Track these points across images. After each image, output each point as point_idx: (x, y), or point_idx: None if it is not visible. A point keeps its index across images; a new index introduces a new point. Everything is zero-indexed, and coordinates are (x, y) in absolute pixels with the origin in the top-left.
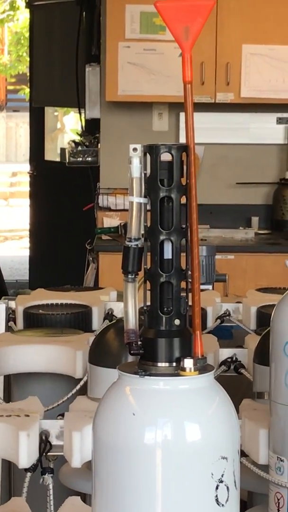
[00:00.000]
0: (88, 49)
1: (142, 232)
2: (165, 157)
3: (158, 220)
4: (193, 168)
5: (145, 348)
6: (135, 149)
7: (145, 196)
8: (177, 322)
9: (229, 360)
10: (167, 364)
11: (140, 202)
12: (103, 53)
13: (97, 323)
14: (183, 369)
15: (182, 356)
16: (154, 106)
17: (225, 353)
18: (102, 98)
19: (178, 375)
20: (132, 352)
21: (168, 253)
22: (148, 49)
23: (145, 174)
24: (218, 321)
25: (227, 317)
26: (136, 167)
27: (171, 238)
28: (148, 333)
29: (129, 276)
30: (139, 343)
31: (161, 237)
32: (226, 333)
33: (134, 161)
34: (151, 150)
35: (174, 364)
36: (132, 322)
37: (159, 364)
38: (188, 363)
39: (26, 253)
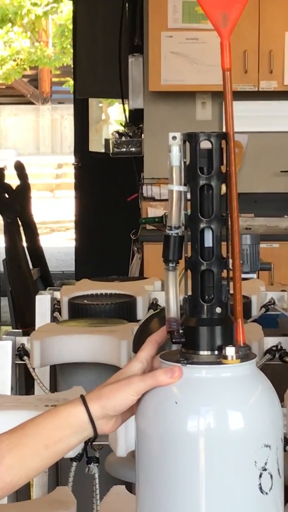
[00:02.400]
0: (131, 39)
1: (183, 220)
2: (205, 145)
3: (198, 208)
4: (233, 155)
5: (187, 337)
6: (174, 138)
7: (185, 185)
8: (218, 310)
9: (274, 348)
10: (209, 352)
11: (180, 191)
12: (146, 43)
13: (142, 312)
14: (225, 357)
15: (224, 344)
16: (197, 96)
17: (270, 341)
18: (146, 88)
19: (220, 363)
20: (174, 340)
21: (208, 241)
22: (190, 38)
23: (184, 162)
24: (263, 309)
25: (272, 306)
26: (175, 156)
27: (212, 226)
28: (190, 322)
29: (170, 265)
30: (181, 331)
31: (202, 225)
32: (271, 322)
33: (173, 149)
34: (191, 138)
35: (216, 352)
36: (173, 310)
37: (201, 353)
38: (230, 351)
39: (72, 244)
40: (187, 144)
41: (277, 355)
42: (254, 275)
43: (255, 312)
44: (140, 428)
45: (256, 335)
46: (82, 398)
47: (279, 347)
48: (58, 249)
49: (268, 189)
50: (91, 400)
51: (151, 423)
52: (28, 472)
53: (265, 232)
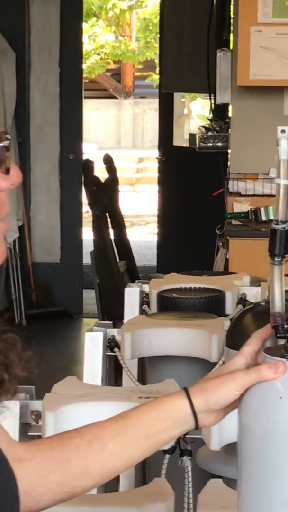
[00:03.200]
0: (219, 34)
1: None
2: None
3: None
4: None
5: None
6: (283, 131)
7: None
8: None
9: None
10: None
11: (287, 185)
12: (234, 37)
13: (230, 307)
14: None
15: None
16: (285, 91)
17: None
18: (233, 83)
19: None
20: (278, 335)
21: None
22: (280, 33)
23: None
24: None
25: None
26: (284, 149)
27: None
28: None
29: (276, 259)
30: (286, 326)
31: None
32: None
33: (282, 143)
34: None
35: None
36: (278, 305)
37: None
38: None
39: (153, 238)
40: None
41: None
42: None
43: None
44: (243, 422)
45: None
46: (186, 391)
47: None
48: (139, 243)
49: None
50: (195, 393)
51: (255, 418)
52: (128, 460)
53: None
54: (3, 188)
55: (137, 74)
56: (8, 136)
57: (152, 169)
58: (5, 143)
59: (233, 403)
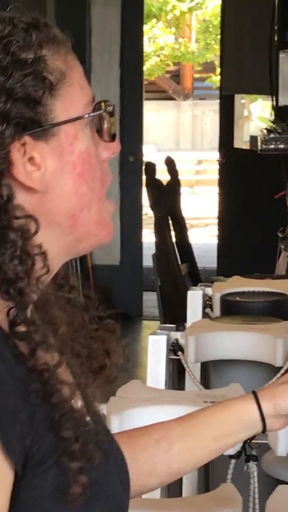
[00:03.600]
0: (281, 35)
1: None
2: None
3: None
4: None
5: None
6: None
7: None
8: None
9: None
10: None
11: None
12: None
13: None
14: None
15: None
16: None
17: None
18: None
19: None
20: None
21: None
22: None
23: None
24: None
25: None
26: None
27: None
28: None
29: None
30: None
31: None
32: None
33: None
34: None
35: None
36: None
37: None
38: None
39: (212, 241)
40: None
41: None
42: None
43: None
44: None
45: None
46: (255, 395)
47: None
48: (199, 245)
49: None
50: (264, 398)
51: None
52: (194, 461)
53: None
54: (105, 158)
55: (196, 76)
56: (110, 102)
57: (211, 171)
58: (110, 108)
59: None
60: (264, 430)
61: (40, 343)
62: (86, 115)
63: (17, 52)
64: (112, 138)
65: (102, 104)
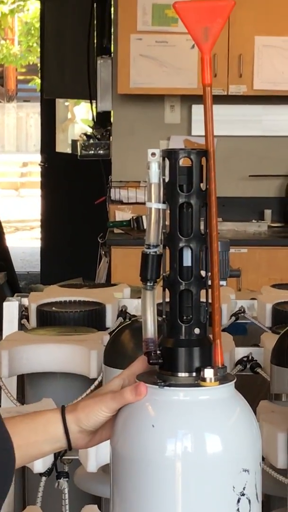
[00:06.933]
0: (99, 41)
1: (161, 238)
2: (184, 162)
3: (177, 226)
4: (212, 173)
5: (165, 358)
6: (153, 154)
7: (163, 202)
8: (197, 331)
9: (245, 359)
10: (187, 374)
11: (158, 208)
12: (115, 45)
13: (111, 320)
14: (203, 379)
15: (202, 366)
16: (166, 99)
17: (241, 352)
18: (114, 91)
19: (198, 385)
20: (151, 361)
21: (187, 261)
22: (160, 41)
23: (163, 179)
24: (233, 318)
25: (242, 314)
26: (154, 173)
27: (191, 245)
28: (167, 343)
29: (148, 284)
30: (158, 352)
31: (181, 244)
32: (241, 329)
33: (152, 166)
34: (170, 155)
35: (194, 374)
36: (151, 331)
37: (179, 374)
38: (209, 373)
39: (37, 244)
40: (166, 160)
41: (248, 366)
42: (224, 283)
43: (225, 320)
44: (116, 449)
45: (228, 346)
46: (62, 408)
47: (250, 357)
48: (23, 249)
49: (236, 193)
50: (68, 411)
51: (127, 446)
52: None
53: (233, 236)
54: None
55: (20, 77)
56: None
57: (36, 173)
58: None
59: (110, 429)
60: (69, 445)
61: None
62: None
63: None
64: None
65: None
